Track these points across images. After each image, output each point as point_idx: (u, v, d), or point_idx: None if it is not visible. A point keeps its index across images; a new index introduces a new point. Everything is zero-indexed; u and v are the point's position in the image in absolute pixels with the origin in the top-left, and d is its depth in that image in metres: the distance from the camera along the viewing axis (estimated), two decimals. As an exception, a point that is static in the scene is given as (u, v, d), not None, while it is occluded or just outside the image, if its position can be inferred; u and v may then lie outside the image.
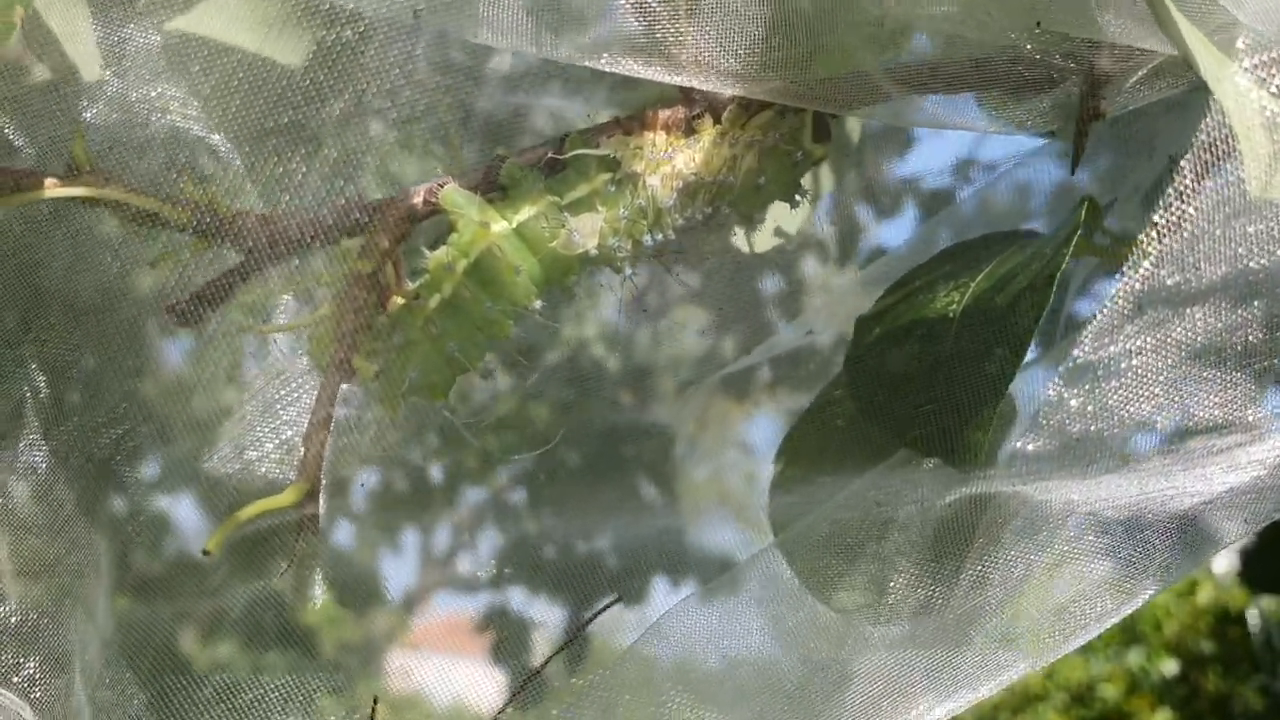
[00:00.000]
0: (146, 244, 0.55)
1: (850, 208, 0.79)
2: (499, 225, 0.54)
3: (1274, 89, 0.43)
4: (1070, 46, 0.55)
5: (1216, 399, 0.48)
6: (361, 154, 0.56)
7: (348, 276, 0.54)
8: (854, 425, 0.64)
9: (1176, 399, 0.47)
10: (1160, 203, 0.44)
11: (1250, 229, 0.44)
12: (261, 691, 0.61)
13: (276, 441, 0.56)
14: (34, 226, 0.56)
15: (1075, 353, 0.46)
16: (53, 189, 0.51)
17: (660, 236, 0.56)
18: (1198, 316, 0.45)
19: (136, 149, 0.54)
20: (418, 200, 0.54)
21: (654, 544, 0.84)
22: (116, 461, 0.61)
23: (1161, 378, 0.47)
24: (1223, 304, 0.45)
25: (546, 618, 0.84)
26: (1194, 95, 0.56)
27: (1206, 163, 0.42)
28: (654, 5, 0.53)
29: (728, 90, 0.55)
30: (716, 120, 0.56)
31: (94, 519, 0.60)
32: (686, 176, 0.55)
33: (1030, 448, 0.49)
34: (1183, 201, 0.43)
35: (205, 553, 0.47)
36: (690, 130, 0.56)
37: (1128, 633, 2.94)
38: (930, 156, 0.81)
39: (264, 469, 0.56)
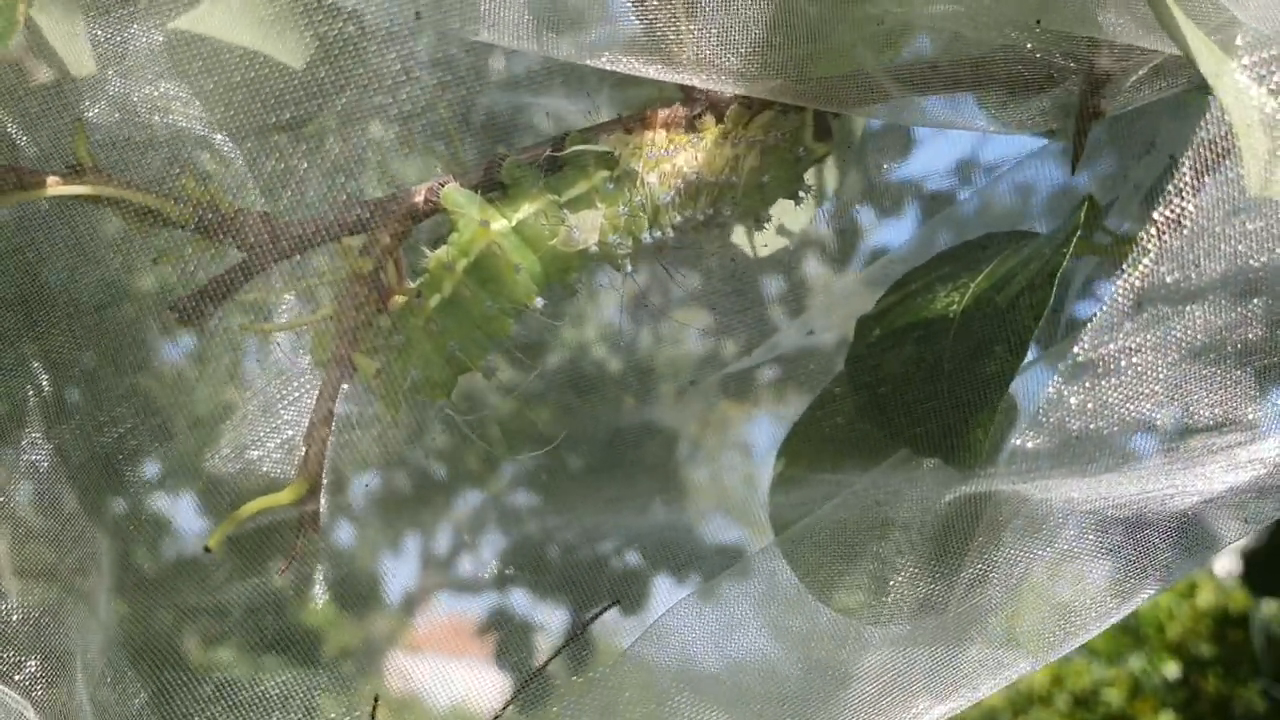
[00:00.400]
0: (148, 242, 0.55)
1: (851, 208, 0.79)
2: (499, 224, 0.54)
3: (1273, 86, 0.43)
4: (1070, 46, 0.55)
5: (1216, 397, 0.48)
6: (363, 153, 0.56)
7: (349, 275, 0.54)
8: (854, 425, 0.64)
9: (1177, 397, 0.47)
10: (1160, 200, 0.44)
11: (1250, 226, 0.44)
12: (262, 690, 0.61)
13: (278, 439, 0.56)
14: (36, 224, 0.56)
15: (1075, 351, 0.46)
16: (55, 187, 0.51)
17: (659, 234, 0.56)
18: (1197, 314, 0.45)
19: (138, 147, 0.55)
20: (419, 199, 0.54)
21: (656, 544, 0.85)
22: (118, 460, 0.61)
23: (1161, 375, 0.47)
24: (1222, 301, 0.45)
25: (548, 619, 0.84)
26: (1193, 94, 0.56)
27: (1206, 160, 0.43)
28: (655, 5, 0.53)
29: (729, 89, 0.55)
30: (718, 119, 0.56)
31: (96, 517, 0.60)
32: (688, 175, 0.55)
33: (1031, 446, 0.49)
34: (1182, 199, 0.43)
35: (206, 550, 0.47)
36: (692, 128, 0.56)
37: (1131, 636, 2.94)
38: (931, 157, 0.82)
39: (265, 467, 0.56)
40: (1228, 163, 0.43)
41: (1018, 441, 0.51)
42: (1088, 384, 0.47)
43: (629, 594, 0.81)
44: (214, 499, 0.61)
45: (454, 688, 0.75)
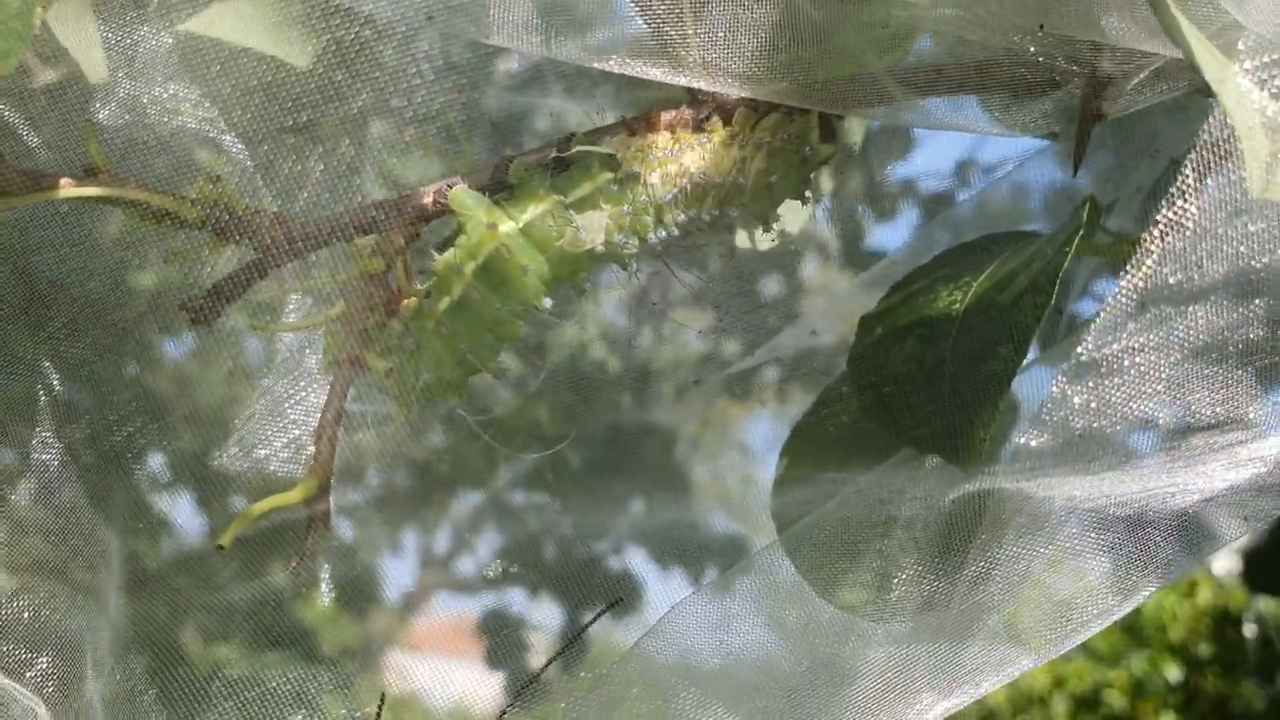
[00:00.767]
0: (161, 243, 0.55)
1: (854, 209, 0.79)
2: (506, 225, 0.54)
3: (1274, 90, 0.44)
4: (1073, 49, 0.55)
5: (1218, 396, 0.48)
6: (373, 154, 0.57)
7: (359, 275, 0.54)
8: (857, 424, 0.64)
9: (1179, 396, 0.48)
10: (1163, 201, 0.44)
11: (1252, 228, 0.44)
12: (271, 686, 0.61)
13: (287, 439, 0.57)
14: (50, 224, 0.57)
15: (1078, 350, 0.47)
16: (69, 189, 0.51)
17: (664, 234, 0.56)
18: (1200, 315, 0.46)
19: (151, 149, 0.55)
20: (427, 200, 0.55)
21: (656, 543, 0.85)
22: (128, 458, 0.61)
23: (1164, 375, 0.47)
24: (1225, 302, 0.46)
25: (547, 619, 0.84)
26: (1195, 97, 0.57)
27: (1208, 162, 0.43)
28: (661, 8, 0.53)
29: (734, 92, 0.55)
30: (725, 121, 0.57)
31: (105, 515, 0.60)
32: (695, 176, 0.56)
33: (1033, 445, 0.50)
34: (1185, 200, 0.44)
35: (219, 548, 0.47)
36: (699, 130, 0.57)
37: (1132, 636, 2.94)
38: (933, 158, 0.82)
39: (275, 465, 0.57)
40: (1230, 165, 0.44)
41: (1020, 440, 0.51)
42: (1090, 383, 0.47)
43: (626, 595, 0.81)
44: (222, 498, 0.62)
45: (454, 687, 0.76)
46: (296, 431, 0.58)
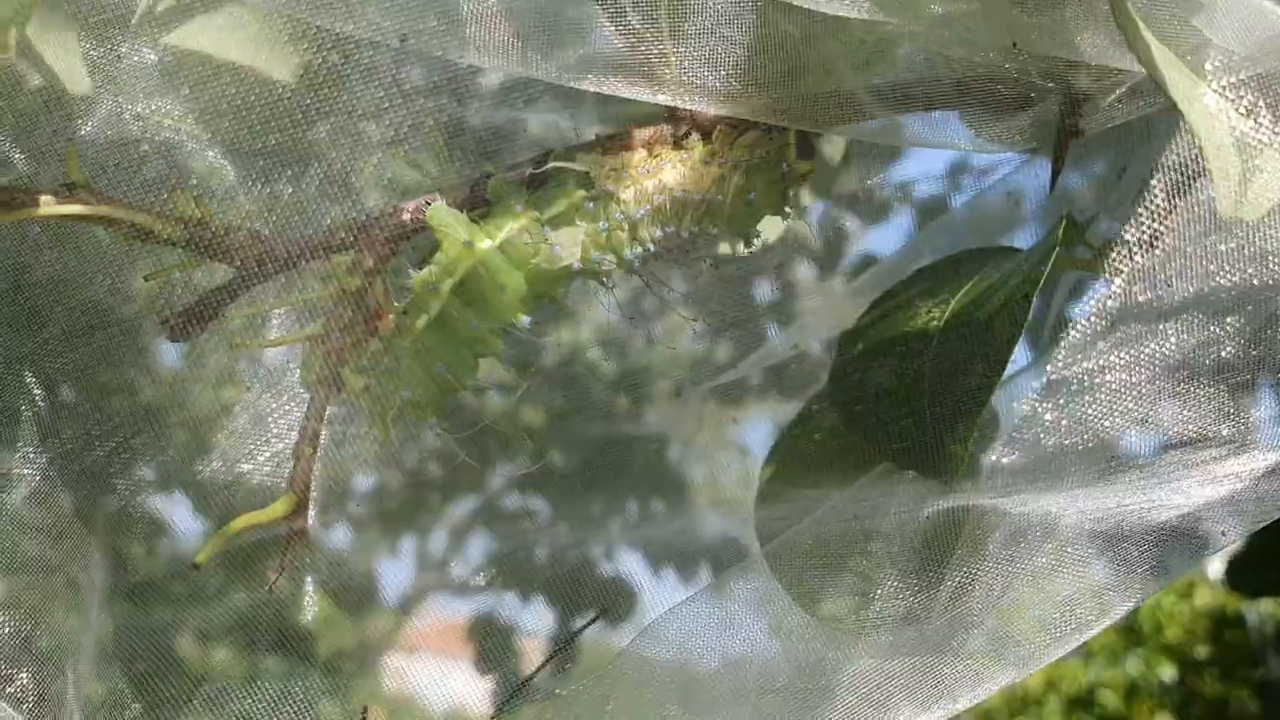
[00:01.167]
0: (139, 260, 0.55)
1: (837, 221, 0.80)
2: (483, 243, 0.54)
3: (1243, 109, 0.44)
4: (1049, 66, 0.56)
5: (1191, 413, 0.48)
6: (350, 172, 0.57)
7: (336, 292, 0.54)
8: (837, 438, 0.64)
9: (1152, 413, 0.48)
10: (1133, 221, 0.44)
11: (1221, 247, 0.45)
12: (256, 696, 0.62)
13: (266, 455, 0.57)
14: (28, 242, 0.57)
15: (1052, 368, 0.47)
16: (49, 206, 0.51)
17: (640, 250, 0.56)
18: (1171, 333, 0.46)
19: (129, 166, 0.55)
20: (406, 217, 0.55)
21: (643, 551, 0.85)
22: (110, 473, 0.62)
23: (1136, 393, 0.47)
24: (1196, 320, 0.46)
25: (538, 624, 0.84)
26: (1172, 114, 0.57)
27: (1177, 182, 0.43)
28: (639, 27, 0.54)
29: (712, 109, 0.56)
30: (704, 138, 0.57)
31: (88, 529, 0.60)
32: (674, 194, 0.56)
33: (1009, 461, 0.50)
34: (1155, 220, 0.44)
35: (195, 566, 0.47)
36: (678, 147, 0.57)
37: (1128, 637, 2.95)
38: (916, 169, 0.82)
39: (254, 481, 0.57)
40: (1199, 184, 0.44)
41: (996, 456, 0.51)
42: (1065, 400, 0.48)
43: (618, 600, 0.81)
44: (204, 513, 0.62)
45: (447, 689, 0.76)
46: (277, 446, 0.58)
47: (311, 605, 0.65)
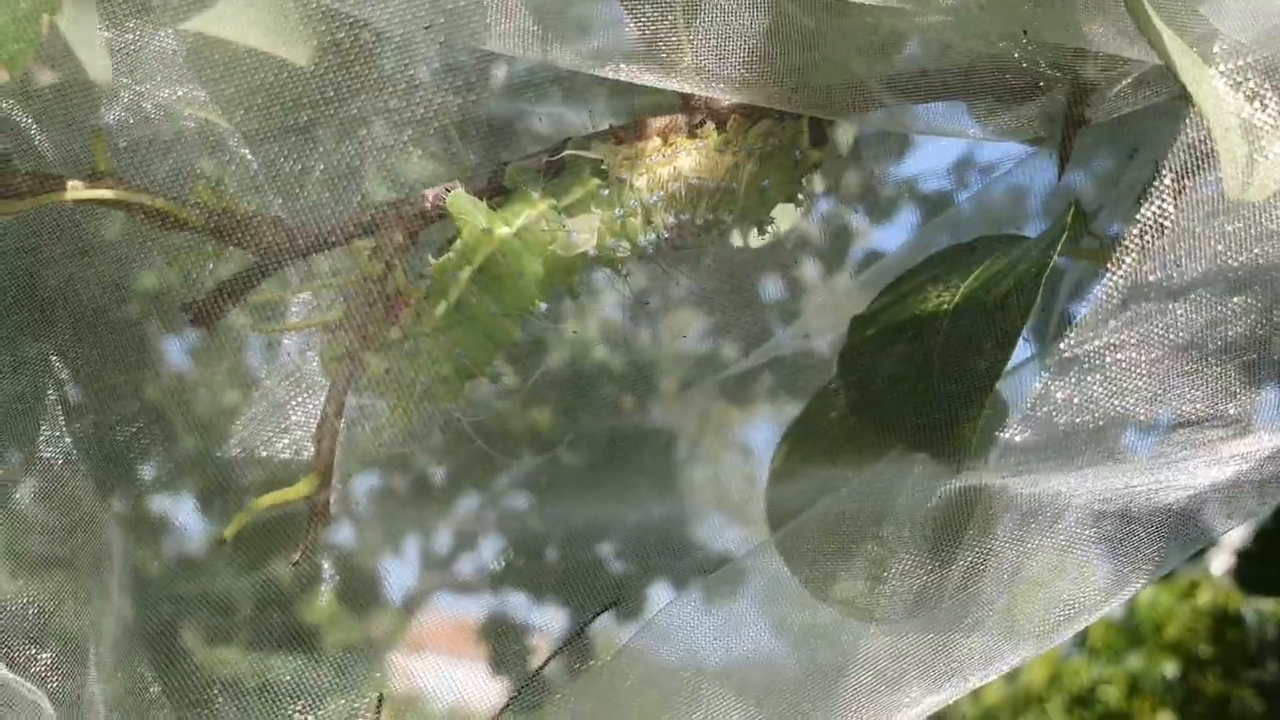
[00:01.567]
0: (163, 245, 0.56)
1: (846, 213, 0.80)
2: (501, 229, 0.55)
3: (1249, 92, 0.45)
4: (1056, 55, 0.56)
5: (1199, 393, 0.49)
6: (372, 158, 0.58)
7: (358, 278, 0.55)
8: (847, 424, 0.65)
9: (1160, 393, 0.49)
10: (1143, 202, 0.45)
11: (1229, 228, 0.45)
12: (272, 678, 0.62)
13: (287, 437, 0.58)
14: (52, 227, 0.58)
15: (1062, 347, 0.48)
16: (76, 191, 0.52)
17: (654, 237, 0.57)
18: (1180, 312, 0.47)
19: (153, 151, 0.56)
20: (426, 204, 0.56)
21: (654, 545, 0.86)
22: (131, 457, 0.62)
23: (1145, 372, 0.48)
24: (1204, 300, 0.47)
25: (547, 621, 0.85)
26: (1178, 102, 0.58)
27: (1186, 164, 0.44)
28: (654, 16, 0.54)
29: (726, 97, 0.57)
30: (718, 127, 0.58)
31: (109, 512, 0.61)
32: (689, 182, 0.57)
33: (1019, 441, 0.51)
34: (1164, 201, 0.45)
35: (222, 541, 0.48)
36: (692, 136, 0.58)
37: (1129, 635, 2.95)
38: (925, 161, 0.83)
39: (276, 463, 0.58)
40: (1207, 166, 0.45)
41: (1007, 436, 0.52)
42: (1074, 380, 0.48)
43: (627, 596, 0.82)
44: (224, 495, 0.63)
45: (454, 687, 0.77)
46: (298, 429, 0.59)
47: (329, 587, 0.66)
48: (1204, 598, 2.93)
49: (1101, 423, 0.50)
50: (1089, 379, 0.48)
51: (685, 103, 0.59)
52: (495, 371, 0.56)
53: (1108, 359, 0.48)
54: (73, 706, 0.56)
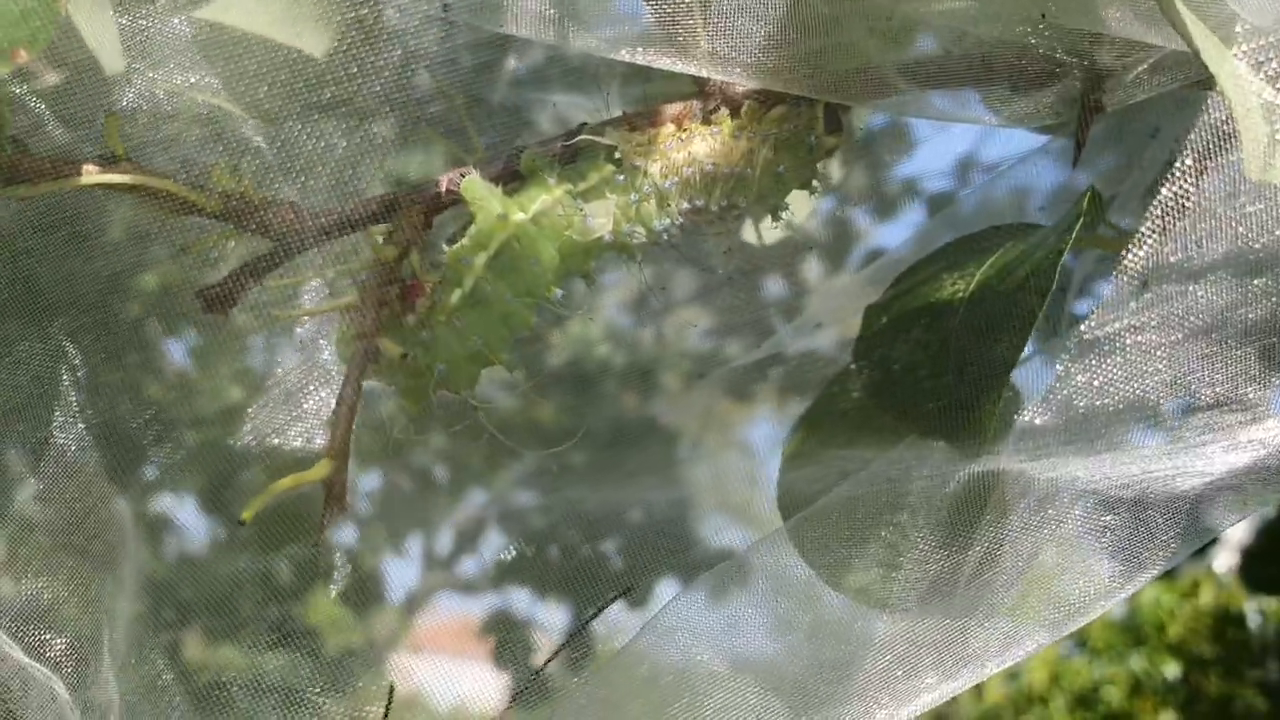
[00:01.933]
0: (177, 231, 0.56)
1: (856, 206, 0.80)
2: (516, 215, 0.55)
3: (1270, 73, 0.45)
4: (1073, 41, 0.56)
5: (1218, 376, 0.49)
6: (386, 144, 0.58)
7: (373, 263, 0.55)
8: (862, 411, 0.65)
9: (1179, 376, 0.49)
10: (1163, 183, 0.45)
11: (1250, 209, 0.45)
12: (280, 671, 0.62)
13: (302, 421, 0.58)
14: (64, 214, 0.58)
15: (1081, 330, 0.48)
16: (92, 176, 0.52)
17: (669, 222, 0.57)
18: (1199, 294, 0.47)
19: (165, 137, 0.56)
20: (441, 189, 0.56)
21: (658, 539, 0.86)
22: (143, 445, 0.62)
23: (1164, 355, 0.48)
24: (1224, 282, 0.47)
25: (549, 618, 0.85)
26: (1194, 90, 0.58)
27: (1207, 146, 0.44)
28: (672, 2, 0.54)
29: (743, 82, 0.56)
30: (732, 113, 0.58)
31: (123, 499, 0.61)
32: (703, 167, 0.57)
33: (1036, 426, 0.51)
34: (1185, 182, 0.45)
35: (241, 522, 0.48)
36: (707, 122, 0.58)
37: (1131, 635, 2.96)
38: (934, 156, 0.83)
39: (290, 448, 0.58)
40: (1228, 147, 0.45)
41: (1024, 420, 0.52)
42: (1093, 361, 0.48)
43: (631, 590, 0.82)
44: (237, 480, 0.63)
45: (458, 687, 0.76)
46: (311, 415, 0.59)
47: (341, 580, 0.66)
48: (1206, 597, 2.93)
49: (1120, 406, 0.50)
50: (1108, 362, 0.48)
51: (700, 88, 0.59)
52: (512, 360, 0.56)
53: (1127, 341, 0.47)
54: (87, 693, 0.56)
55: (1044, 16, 0.52)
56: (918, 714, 0.56)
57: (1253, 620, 2.93)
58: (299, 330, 0.60)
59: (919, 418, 0.59)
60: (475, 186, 0.55)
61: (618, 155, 0.57)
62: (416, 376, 0.55)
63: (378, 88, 0.56)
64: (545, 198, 0.56)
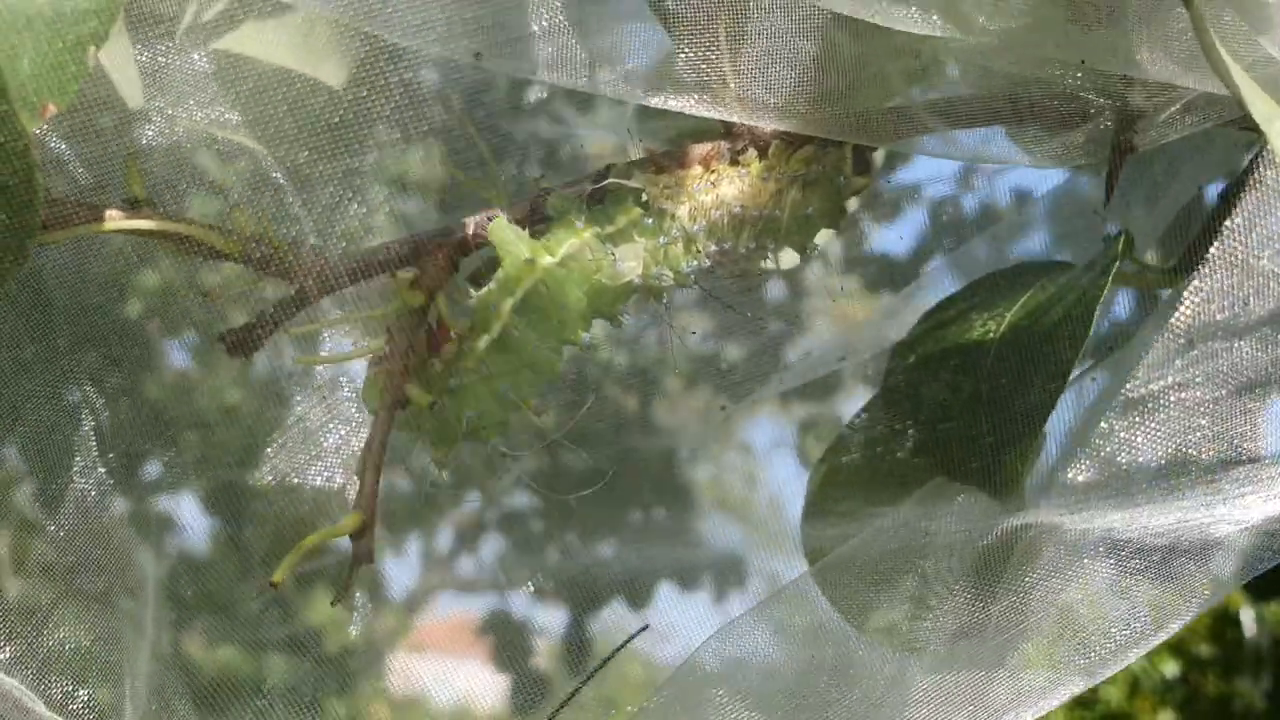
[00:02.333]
0: (199, 275, 0.55)
1: (879, 236, 0.80)
2: (544, 259, 0.54)
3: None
4: (1104, 82, 0.56)
5: (1260, 429, 0.49)
6: (410, 187, 0.57)
7: (398, 309, 0.54)
8: (889, 451, 0.64)
9: (1221, 431, 0.48)
10: (1210, 238, 0.45)
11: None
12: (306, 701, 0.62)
13: (323, 473, 0.57)
14: (86, 256, 0.57)
15: (1126, 385, 0.47)
16: (115, 221, 0.51)
17: (696, 264, 0.56)
18: (1244, 351, 0.46)
19: (187, 178, 0.55)
20: (468, 233, 0.55)
21: (674, 560, 0.85)
22: (163, 489, 0.62)
23: (1206, 410, 0.48)
24: (1269, 338, 0.46)
25: (552, 623, 0.84)
26: (1221, 130, 0.58)
27: (1258, 201, 0.44)
28: (698, 45, 0.54)
29: (770, 125, 0.56)
30: (760, 154, 0.57)
31: (142, 543, 0.60)
32: (732, 209, 0.56)
33: (1079, 480, 0.50)
34: (1233, 239, 0.44)
35: (272, 585, 0.47)
36: (735, 163, 0.57)
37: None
38: (959, 183, 0.83)
39: (311, 498, 0.57)
40: (1275, 202, 0.44)
41: (1060, 472, 0.52)
42: (1136, 419, 0.48)
43: (638, 601, 0.81)
44: (262, 529, 0.62)
45: (457, 688, 0.76)
46: (333, 461, 0.58)
47: (361, 621, 0.65)
48: (1205, 598, 2.93)
49: (1162, 462, 0.49)
50: (1152, 420, 0.48)
51: (727, 129, 0.58)
52: (540, 405, 0.55)
53: (1172, 399, 0.47)
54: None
55: (1083, 63, 0.51)
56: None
57: (1251, 621, 2.93)
58: (319, 374, 0.59)
59: (949, 463, 0.58)
60: (502, 229, 0.54)
61: (645, 198, 0.56)
62: (444, 424, 0.54)
63: (399, 127, 0.55)
64: (573, 241, 0.55)
